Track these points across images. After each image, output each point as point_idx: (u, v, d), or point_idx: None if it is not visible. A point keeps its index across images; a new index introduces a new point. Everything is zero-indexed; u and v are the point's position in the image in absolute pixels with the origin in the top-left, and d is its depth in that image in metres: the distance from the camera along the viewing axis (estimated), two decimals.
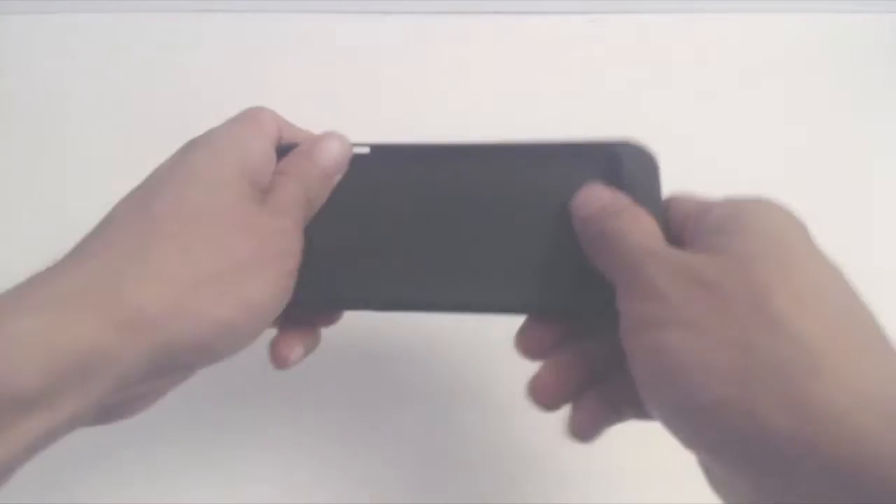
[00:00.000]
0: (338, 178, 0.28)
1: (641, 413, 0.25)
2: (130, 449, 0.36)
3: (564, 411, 0.26)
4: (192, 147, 0.26)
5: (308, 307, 0.28)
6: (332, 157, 0.28)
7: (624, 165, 0.26)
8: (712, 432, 0.20)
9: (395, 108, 0.46)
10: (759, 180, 0.44)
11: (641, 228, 0.23)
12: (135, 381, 0.21)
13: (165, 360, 0.21)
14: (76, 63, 0.49)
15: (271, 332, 0.28)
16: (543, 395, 0.26)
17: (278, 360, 0.28)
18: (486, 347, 0.36)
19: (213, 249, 0.23)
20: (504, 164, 0.27)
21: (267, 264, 0.24)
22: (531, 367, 0.26)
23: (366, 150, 0.29)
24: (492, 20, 0.50)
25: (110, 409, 0.23)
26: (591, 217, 0.25)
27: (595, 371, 0.26)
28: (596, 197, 0.25)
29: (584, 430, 0.26)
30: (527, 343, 0.26)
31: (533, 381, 0.26)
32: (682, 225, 0.24)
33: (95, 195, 0.44)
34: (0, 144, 0.46)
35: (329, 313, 0.30)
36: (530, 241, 0.26)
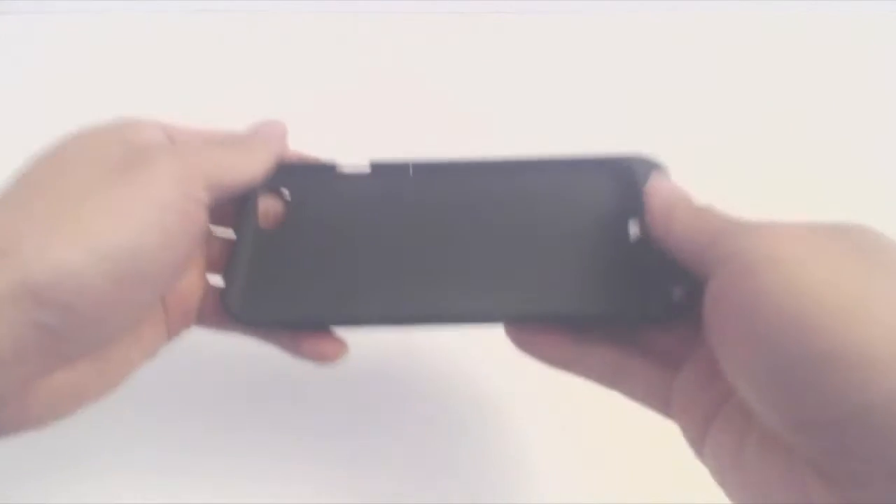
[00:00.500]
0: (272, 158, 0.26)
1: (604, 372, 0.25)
2: (127, 447, 0.36)
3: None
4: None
5: (311, 326, 0.27)
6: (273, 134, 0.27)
7: (637, 177, 0.26)
8: (849, 392, 0.17)
9: (396, 107, 0.46)
10: (758, 180, 0.44)
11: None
12: (7, 357, 0.19)
13: (20, 315, 0.19)
14: (76, 63, 0.49)
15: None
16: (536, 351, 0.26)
17: (318, 356, 0.27)
18: (485, 349, 0.36)
19: (60, 193, 0.21)
20: (517, 181, 0.28)
21: (127, 211, 0.21)
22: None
23: (366, 168, 0.28)
24: (492, 20, 0.50)
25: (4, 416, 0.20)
26: (677, 197, 0.24)
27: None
28: (672, 185, 0.25)
29: (529, 346, 0.26)
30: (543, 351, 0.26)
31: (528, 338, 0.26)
32: None
33: None
34: None
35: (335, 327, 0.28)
36: (558, 254, 0.26)
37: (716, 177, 0.44)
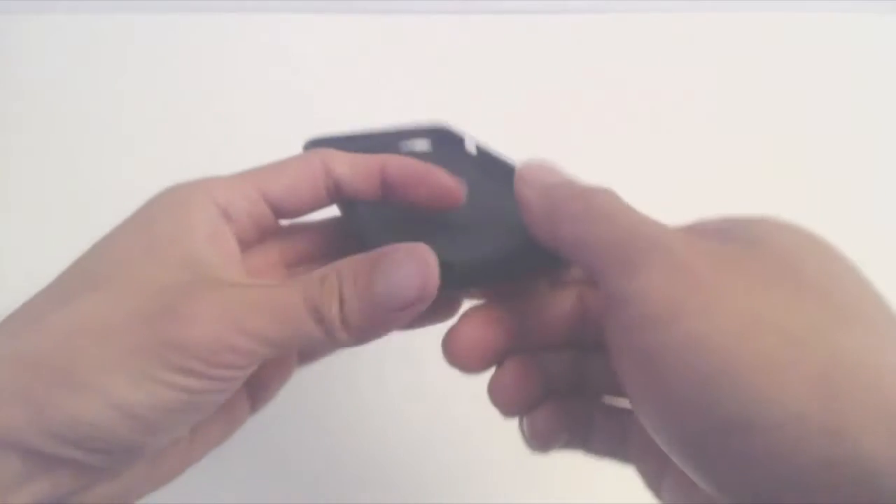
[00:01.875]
0: (395, 325, 0.20)
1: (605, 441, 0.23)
2: None
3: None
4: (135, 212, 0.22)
5: None
6: (396, 285, 0.19)
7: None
8: (777, 459, 0.14)
9: (395, 107, 0.46)
10: (756, 181, 0.44)
11: (631, 208, 0.19)
12: (27, 481, 0.18)
13: (33, 452, 0.18)
14: (76, 63, 0.49)
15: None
16: (503, 396, 0.23)
17: None
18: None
19: (71, 321, 0.18)
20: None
21: (142, 352, 0.18)
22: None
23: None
24: (492, 20, 0.50)
25: None
26: (558, 190, 0.20)
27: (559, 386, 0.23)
28: (551, 171, 0.21)
29: (540, 439, 0.23)
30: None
31: (492, 382, 0.23)
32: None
33: (95, 194, 0.44)
34: (0, 144, 0.46)
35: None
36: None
37: (713, 179, 0.45)
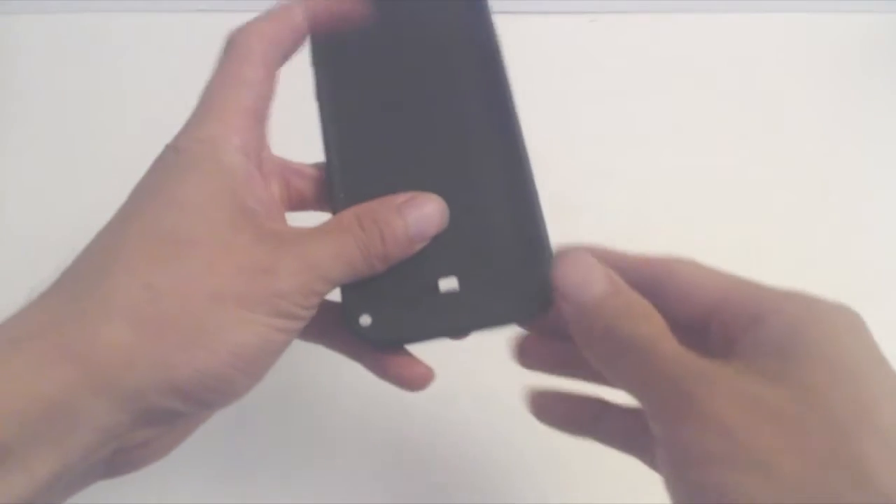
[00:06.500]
0: (418, 247, 0.24)
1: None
2: None
3: None
4: (168, 165, 0.24)
5: None
6: (424, 222, 0.24)
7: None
8: None
9: None
10: (755, 182, 0.44)
11: (665, 335, 0.21)
12: (122, 432, 0.20)
13: (144, 408, 0.20)
14: (76, 63, 0.49)
15: None
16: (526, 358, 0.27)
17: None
18: (487, 349, 0.36)
19: (184, 284, 0.21)
20: None
21: (252, 306, 0.21)
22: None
23: None
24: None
25: (113, 463, 0.21)
26: (589, 308, 0.22)
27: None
28: (588, 277, 0.23)
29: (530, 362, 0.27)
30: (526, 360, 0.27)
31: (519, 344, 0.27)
32: (718, 328, 0.22)
33: (96, 196, 0.44)
34: (0, 145, 0.46)
35: None
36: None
37: (710, 176, 0.45)
